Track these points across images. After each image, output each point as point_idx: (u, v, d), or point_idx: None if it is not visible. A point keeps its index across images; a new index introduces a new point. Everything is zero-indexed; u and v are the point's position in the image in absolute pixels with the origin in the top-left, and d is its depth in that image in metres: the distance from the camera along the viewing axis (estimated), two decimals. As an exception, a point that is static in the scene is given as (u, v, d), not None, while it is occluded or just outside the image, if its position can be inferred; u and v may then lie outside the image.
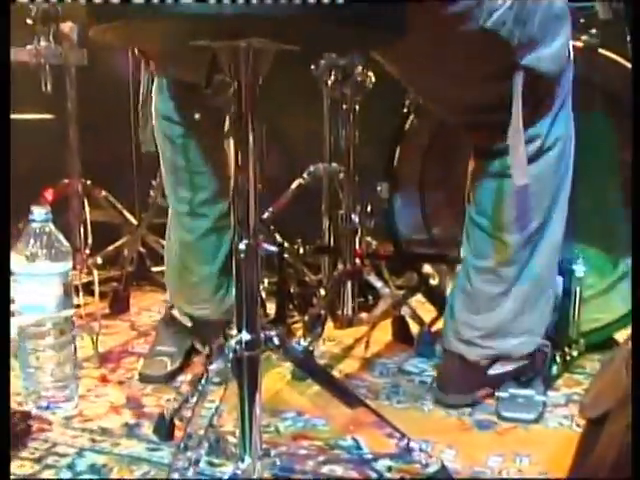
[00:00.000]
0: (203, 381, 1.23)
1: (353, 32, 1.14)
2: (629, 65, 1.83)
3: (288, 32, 1.12)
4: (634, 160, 1.28)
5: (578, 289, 1.87)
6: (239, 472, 1.24)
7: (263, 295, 2.21)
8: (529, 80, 1.49)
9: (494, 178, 1.63)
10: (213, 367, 1.21)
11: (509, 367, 1.73)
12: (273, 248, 1.32)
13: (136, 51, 1.64)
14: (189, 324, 1.92)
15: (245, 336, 1.20)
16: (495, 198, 1.64)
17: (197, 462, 1.20)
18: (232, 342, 1.20)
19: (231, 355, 1.19)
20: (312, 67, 1.96)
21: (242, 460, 1.25)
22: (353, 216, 2.03)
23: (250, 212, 1.19)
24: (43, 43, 2.26)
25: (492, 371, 1.73)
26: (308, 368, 1.35)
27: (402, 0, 1.14)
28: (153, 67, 1.73)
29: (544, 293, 1.72)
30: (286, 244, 2.26)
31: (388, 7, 1.12)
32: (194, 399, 1.26)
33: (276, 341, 1.23)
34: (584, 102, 1.80)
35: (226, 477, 1.23)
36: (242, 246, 1.19)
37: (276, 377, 1.83)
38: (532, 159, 1.57)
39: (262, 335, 1.22)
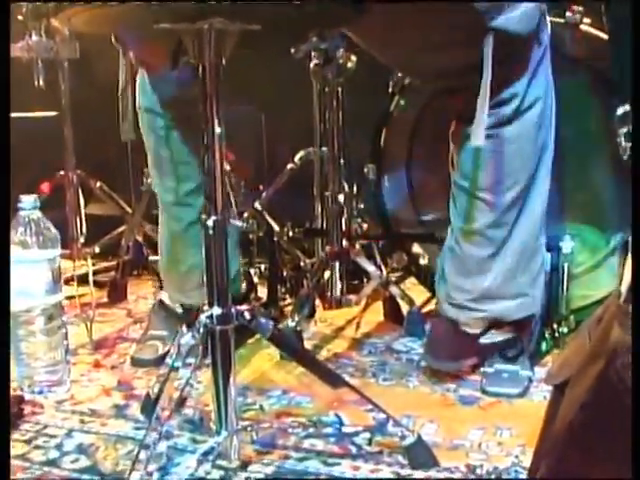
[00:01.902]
0: (174, 356, 1.26)
1: (313, 10, 1.17)
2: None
3: (248, 12, 1.16)
4: (634, 158, 1.30)
5: (566, 265, 1.88)
6: (215, 445, 1.27)
7: (255, 279, 2.26)
8: (501, 42, 1.51)
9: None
10: (183, 341, 1.24)
11: (500, 337, 1.75)
12: (240, 223, 1.35)
13: (113, 40, 1.67)
14: (180, 311, 1.95)
15: (216, 310, 1.24)
16: (477, 160, 1.65)
17: (168, 436, 1.23)
18: (203, 317, 1.23)
19: (202, 330, 1.23)
20: (292, 51, 1.98)
21: (218, 434, 1.28)
22: (339, 197, 2.06)
23: (217, 189, 1.22)
24: (34, 38, 2.30)
25: (483, 340, 1.74)
26: (280, 343, 1.38)
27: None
28: (134, 60, 1.76)
29: (535, 255, 1.73)
30: (277, 227, 2.31)
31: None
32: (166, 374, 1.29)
33: (247, 316, 1.26)
34: (568, 78, 1.82)
35: (201, 451, 1.26)
36: (210, 222, 1.22)
37: (265, 358, 1.87)
38: (511, 119, 1.60)
39: (233, 310, 1.25)
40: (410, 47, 1.58)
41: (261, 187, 2.46)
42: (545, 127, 1.66)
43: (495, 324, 1.74)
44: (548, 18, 1.64)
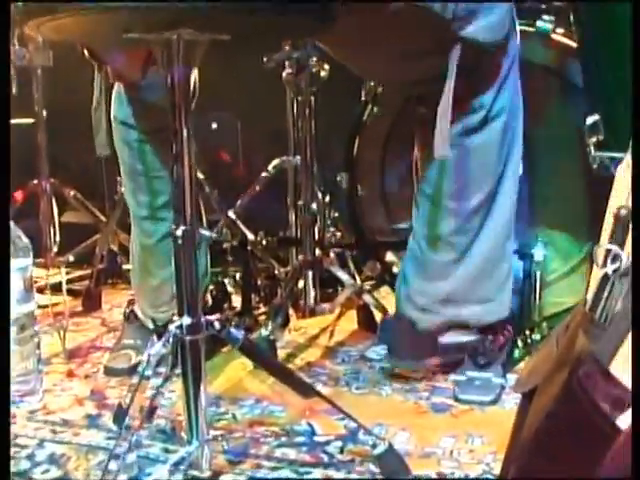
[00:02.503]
0: (144, 365, 1.26)
1: (282, 22, 1.18)
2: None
3: (216, 23, 1.16)
4: (634, 158, 1.32)
5: (538, 272, 1.90)
6: (186, 455, 1.27)
7: (229, 288, 2.26)
8: (469, 52, 1.52)
9: None
10: (154, 351, 1.24)
11: (462, 338, 1.76)
12: (209, 233, 1.35)
13: (87, 55, 1.67)
14: (151, 326, 1.94)
15: (186, 320, 1.24)
16: (441, 168, 1.66)
17: (139, 446, 1.23)
18: (173, 327, 1.23)
19: (172, 340, 1.23)
20: (264, 60, 1.99)
21: (189, 444, 1.28)
22: (312, 206, 2.06)
23: (186, 199, 1.22)
24: (8, 46, 2.29)
25: (444, 340, 1.76)
26: (250, 353, 1.38)
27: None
28: (109, 73, 1.75)
29: (501, 262, 1.74)
30: (251, 236, 2.31)
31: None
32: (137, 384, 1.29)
33: (217, 326, 1.26)
34: (539, 87, 1.84)
35: (172, 461, 1.26)
36: (179, 232, 1.23)
37: (239, 367, 1.86)
38: (477, 129, 1.61)
39: (203, 320, 1.25)
40: (380, 57, 1.59)
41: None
42: (510, 136, 1.67)
43: (455, 326, 1.76)
44: (518, 29, 1.66)
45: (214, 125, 2.74)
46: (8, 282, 1.50)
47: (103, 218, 2.61)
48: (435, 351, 1.76)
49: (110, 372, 1.88)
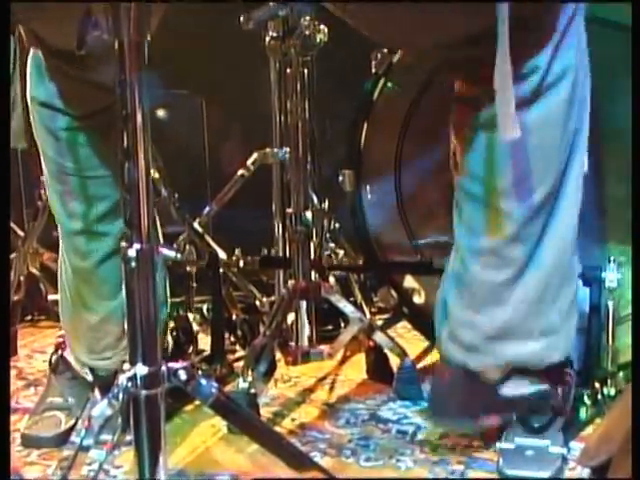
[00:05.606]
0: (83, 432, 1.27)
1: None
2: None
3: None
4: (634, 159, 1.35)
5: (611, 304, 1.90)
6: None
7: (194, 326, 2.27)
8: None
9: (484, 130, 1.64)
10: (96, 412, 1.26)
11: (531, 387, 1.78)
12: (173, 253, 1.36)
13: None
14: (89, 378, 1.95)
15: (141, 370, 1.25)
16: (488, 157, 1.66)
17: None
18: (123, 378, 1.25)
19: (121, 395, 1.24)
20: (241, 20, 1.98)
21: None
22: (306, 215, 2.07)
23: (142, 208, 1.24)
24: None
25: (506, 390, 1.77)
26: (226, 412, 1.39)
27: None
28: (25, 36, 1.75)
29: (567, 279, 1.75)
30: (223, 255, 2.33)
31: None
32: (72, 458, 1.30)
33: (182, 375, 1.28)
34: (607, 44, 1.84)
35: None
36: (132, 252, 1.24)
37: (208, 432, 1.89)
38: (530, 100, 1.60)
39: (163, 368, 1.26)
40: (403, 12, 1.59)
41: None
42: (577, 108, 1.67)
43: (518, 371, 1.77)
44: None
45: (172, 108, 2.76)
46: (8, 283, 1.51)
47: (20, 232, 2.61)
48: (495, 406, 1.77)
49: (31, 442, 1.88)
